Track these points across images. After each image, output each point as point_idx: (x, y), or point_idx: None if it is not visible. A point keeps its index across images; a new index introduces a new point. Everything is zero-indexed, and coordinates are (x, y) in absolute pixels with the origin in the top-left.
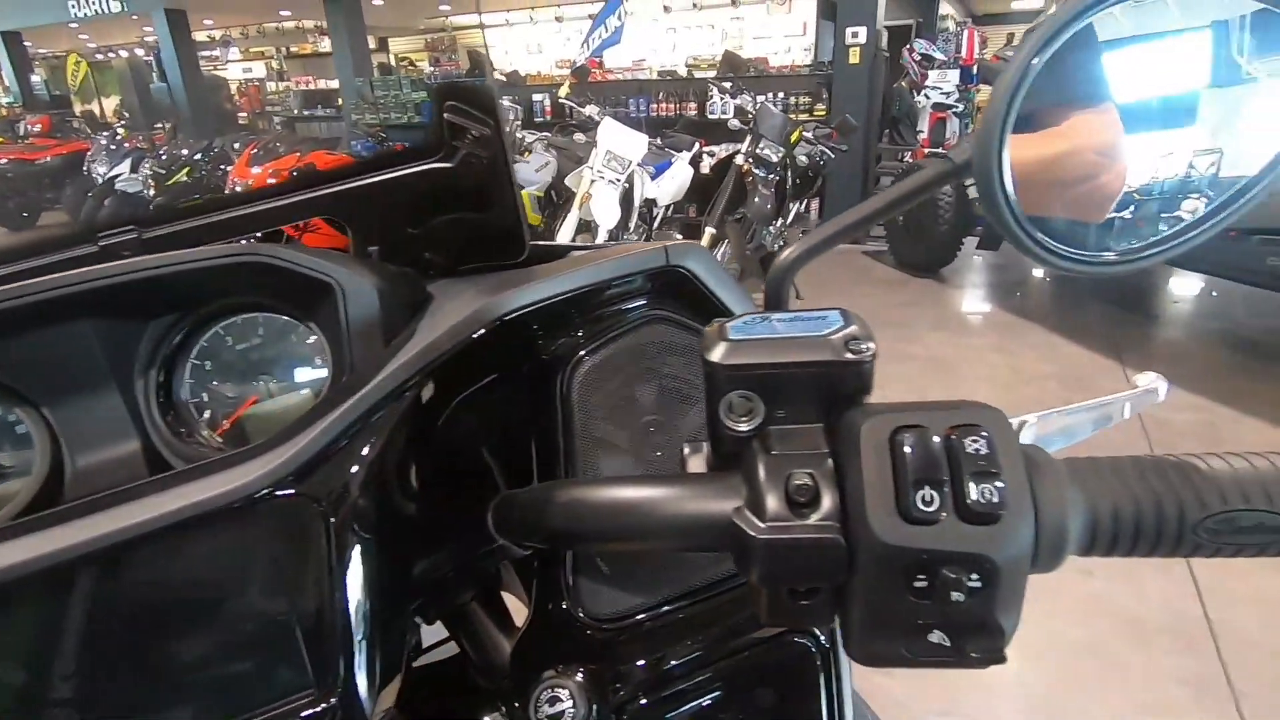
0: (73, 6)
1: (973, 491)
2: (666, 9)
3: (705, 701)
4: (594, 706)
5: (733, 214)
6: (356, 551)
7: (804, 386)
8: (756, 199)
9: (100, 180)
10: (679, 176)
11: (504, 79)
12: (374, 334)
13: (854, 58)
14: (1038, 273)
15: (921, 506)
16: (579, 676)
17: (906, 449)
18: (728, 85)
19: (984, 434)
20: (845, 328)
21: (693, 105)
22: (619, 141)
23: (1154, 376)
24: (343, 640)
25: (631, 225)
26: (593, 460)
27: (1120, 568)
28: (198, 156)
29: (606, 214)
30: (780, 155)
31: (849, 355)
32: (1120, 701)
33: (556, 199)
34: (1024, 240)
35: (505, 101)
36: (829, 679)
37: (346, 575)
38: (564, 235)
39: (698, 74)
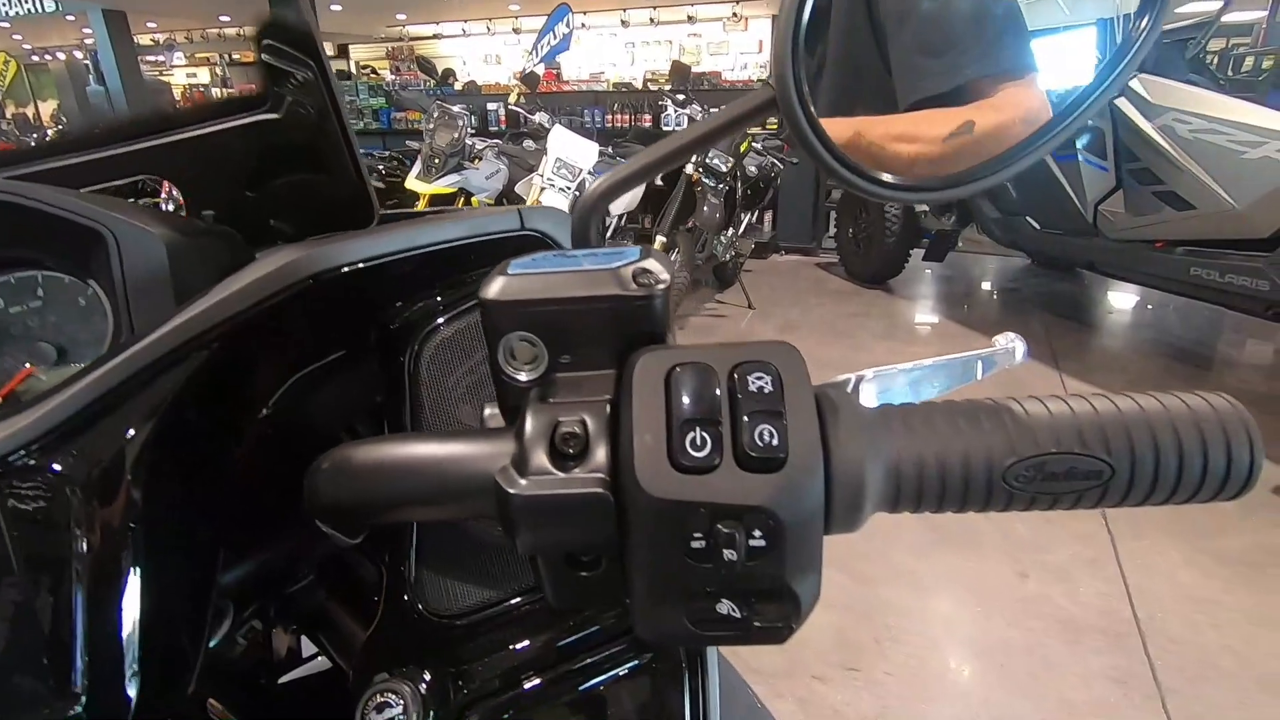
0: (1, 5)
1: (750, 433)
2: (625, 23)
3: (559, 703)
4: (430, 712)
5: (684, 223)
6: (128, 539)
7: (591, 327)
8: (706, 208)
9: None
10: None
11: (459, 88)
12: (162, 293)
13: None
14: (985, 285)
15: (692, 452)
16: (425, 678)
17: (681, 389)
18: (680, 97)
19: (770, 371)
20: (637, 261)
21: (648, 117)
22: (569, 149)
23: (1012, 336)
24: (95, 644)
25: None
26: None
27: (1054, 570)
28: None
29: None
30: (729, 165)
31: (636, 289)
32: (1053, 698)
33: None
34: (838, 170)
35: (456, 108)
36: (694, 674)
37: (109, 566)
38: None
39: (654, 87)
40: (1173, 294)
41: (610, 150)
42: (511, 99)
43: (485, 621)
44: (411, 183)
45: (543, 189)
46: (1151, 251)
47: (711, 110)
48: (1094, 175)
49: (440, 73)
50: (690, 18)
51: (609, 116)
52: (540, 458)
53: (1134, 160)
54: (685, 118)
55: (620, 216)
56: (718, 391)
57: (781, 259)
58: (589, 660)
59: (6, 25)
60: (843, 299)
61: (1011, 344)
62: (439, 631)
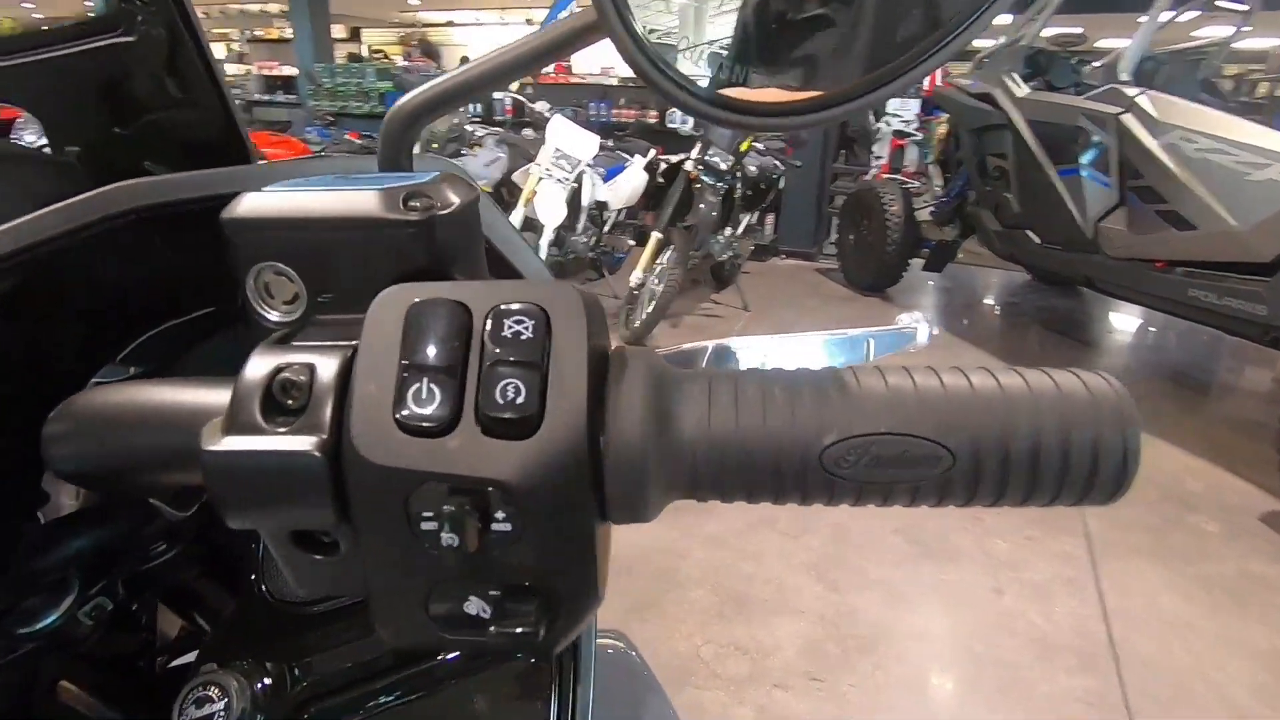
0: None
1: (493, 388)
2: None
3: (410, 703)
4: (259, 711)
5: (681, 221)
6: None
7: (352, 259)
8: (703, 206)
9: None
10: (632, 181)
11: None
12: None
13: None
14: (983, 298)
15: (417, 408)
16: (266, 670)
17: (419, 330)
18: None
19: (535, 316)
20: (422, 182)
21: (654, 113)
22: (568, 140)
23: (917, 316)
24: None
25: (579, 226)
26: None
27: (1031, 588)
28: None
29: (551, 212)
30: (729, 164)
31: (403, 213)
32: (1020, 717)
33: (507, 196)
34: (661, 82)
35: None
36: (564, 679)
37: None
38: None
39: None
40: (1171, 316)
41: (611, 143)
42: (513, 86)
43: (342, 611)
44: None
45: (540, 179)
46: (1151, 271)
47: None
48: (1096, 191)
49: (440, 56)
50: None
51: (615, 110)
52: (251, 411)
53: (1137, 177)
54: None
55: (620, 211)
56: (457, 334)
57: (782, 263)
58: (448, 659)
59: None
60: (839, 304)
61: (915, 323)
62: (287, 620)
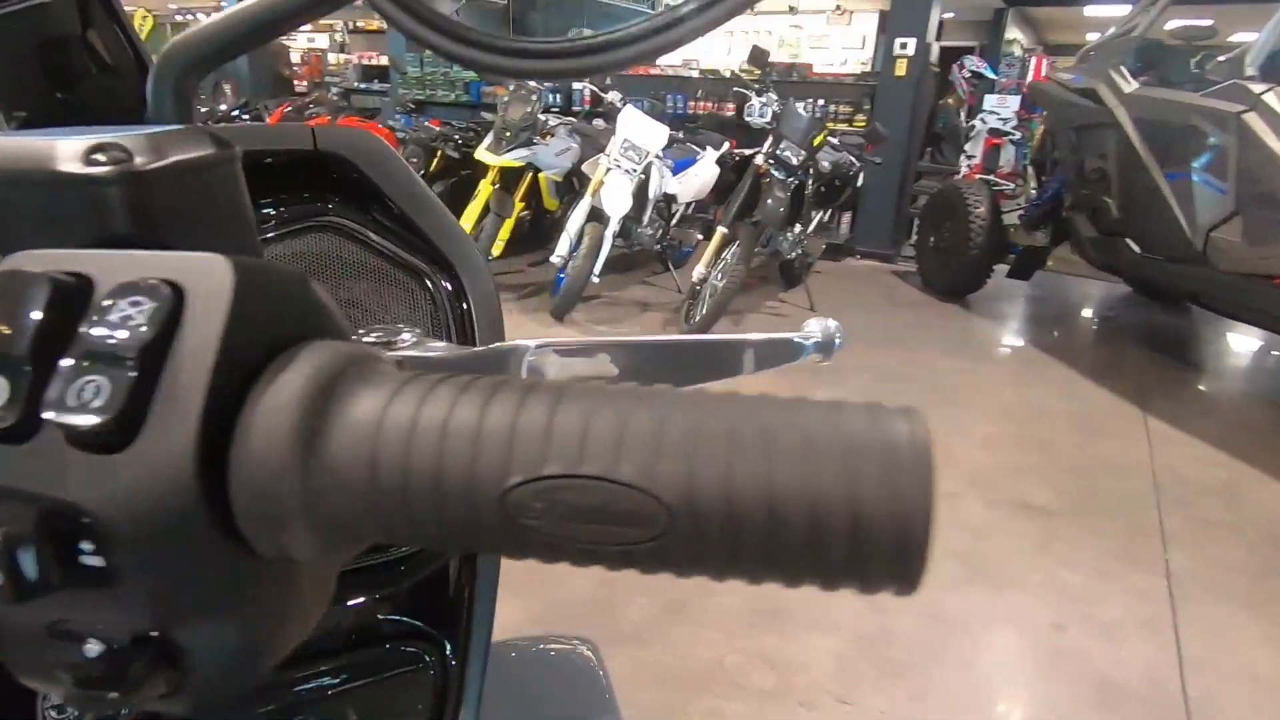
0: None
1: (68, 386)
2: None
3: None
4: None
5: (748, 216)
6: None
7: (36, 222)
8: (770, 201)
9: None
10: (703, 174)
11: None
12: None
13: (900, 70)
14: (1075, 309)
15: None
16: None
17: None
18: (756, 85)
19: (161, 297)
20: (127, 133)
21: (731, 106)
22: (637, 130)
23: (827, 326)
24: None
25: (645, 218)
26: None
27: (1099, 626)
28: (234, 112)
29: (617, 203)
30: (800, 159)
31: (87, 169)
32: None
33: (578, 186)
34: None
35: (532, 83)
36: (448, 698)
37: None
38: (574, 222)
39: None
40: None
41: (681, 135)
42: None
43: None
44: (481, 153)
45: (609, 169)
46: (1269, 288)
47: (801, 103)
48: (1209, 197)
49: None
50: (792, 9)
51: (692, 103)
52: None
53: (1257, 183)
54: (763, 108)
55: (689, 205)
56: (72, 318)
57: (857, 263)
58: (330, 660)
59: None
60: (914, 309)
61: (814, 334)
62: None
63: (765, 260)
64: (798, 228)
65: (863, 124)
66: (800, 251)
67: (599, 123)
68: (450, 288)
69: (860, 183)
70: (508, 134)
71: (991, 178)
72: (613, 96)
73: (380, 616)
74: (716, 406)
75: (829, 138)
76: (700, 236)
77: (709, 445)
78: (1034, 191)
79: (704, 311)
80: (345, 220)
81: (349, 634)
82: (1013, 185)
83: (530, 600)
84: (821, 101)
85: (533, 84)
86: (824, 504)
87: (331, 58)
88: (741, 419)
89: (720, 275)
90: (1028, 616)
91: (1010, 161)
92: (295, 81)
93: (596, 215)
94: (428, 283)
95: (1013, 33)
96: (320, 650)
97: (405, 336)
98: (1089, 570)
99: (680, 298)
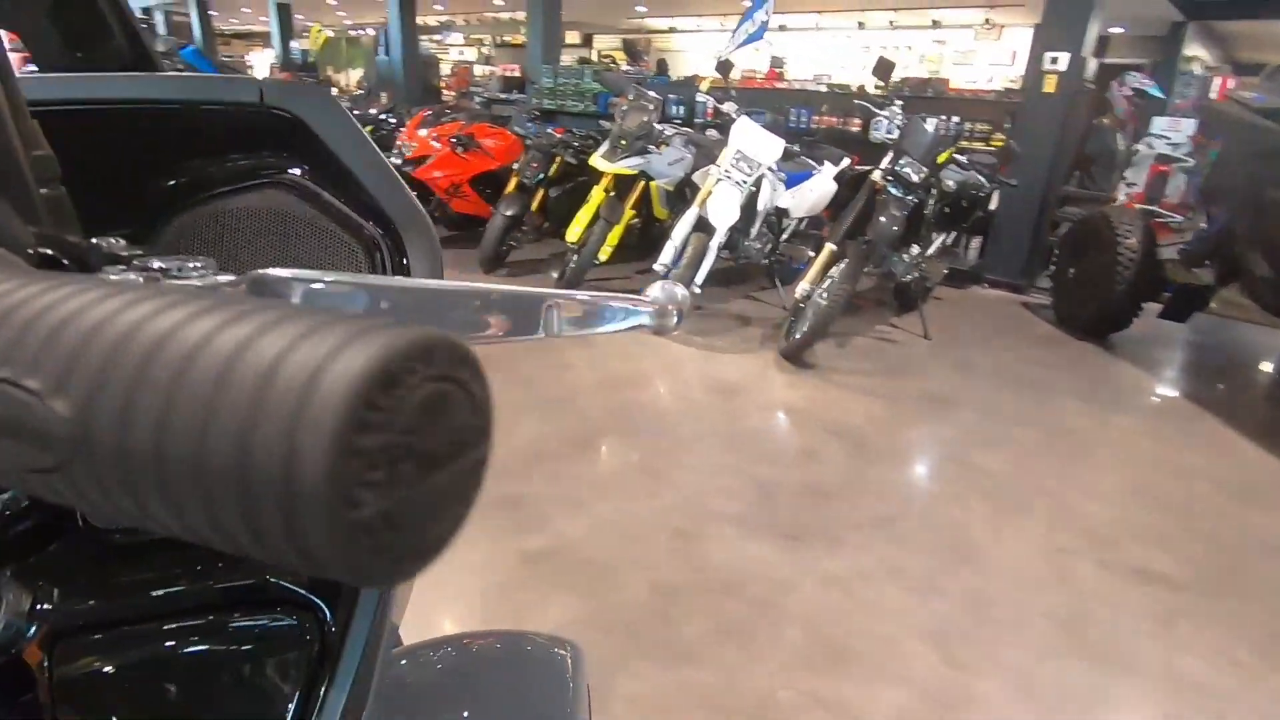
0: None
1: None
2: (861, 25)
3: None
4: (30, 622)
5: (861, 233)
6: None
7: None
8: (883, 218)
9: None
10: (818, 190)
11: (675, 79)
12: None
13: (1049, 86)
14: (1255, 365)
15: None
16: (52, 591)
17: None
18: (880, 98)
19: None
20: None
21: (857, 122)
22: (750, 142)
23: (672, 292)
24: None
25: (754, 232)
26: None
27: None
28: (382, 116)
29: (724, 214)
30: (921, 176)
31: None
32: None
33: (689, 195)
34: None
35: (651, 93)
36: (326, 674)
37: None
38: (679, 231)
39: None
40: None
41: (797, 148)
42: (703, 87)
43: (136, 547)
44: (595, 160)
45: (718, 180)
46: None
47: (932, 119)
48: None
49: (641, 57)
50: (935, 23)
51: (816, 118)
52: None
53: None
54: (889, 124)
55: (802, 220)
56: None
57: (984, 292)
58: (203, 620)
59: (334, 2)
60: (1044, 346)
61: (646, 302)
62: (97, 547)
63: (879, 282)
64: (915, 249)
65: (999, 143)
66: (917, 275)
67: (713, 133)
68: (393, 247)
69: (993, 205)
70: (623, 142)
71: (1154, 208)
72: (729, 108)
73: (267, 578)
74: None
75: (956, 155)
76: (812, 254)
77: (133, 343)
78: (1203, 225)
79: (803, 330)
80: (299, 179)
81: (230, 590)
82: (1180, 218)
83: (587, 599)
84: (956, 119)
85: (652, 94)
86: (211, 448)
87: (478, 70)
88: (172, 336)
89: (824, 294)
90: (1134, 703)
91: (1180, 191)
92: (444, 90)
93: (703, 226)
94: (374, 245)
95: (1193, 49)
96: (194, 604)
97: (187, 267)
98: (1216, 659)
99: (785, 315)
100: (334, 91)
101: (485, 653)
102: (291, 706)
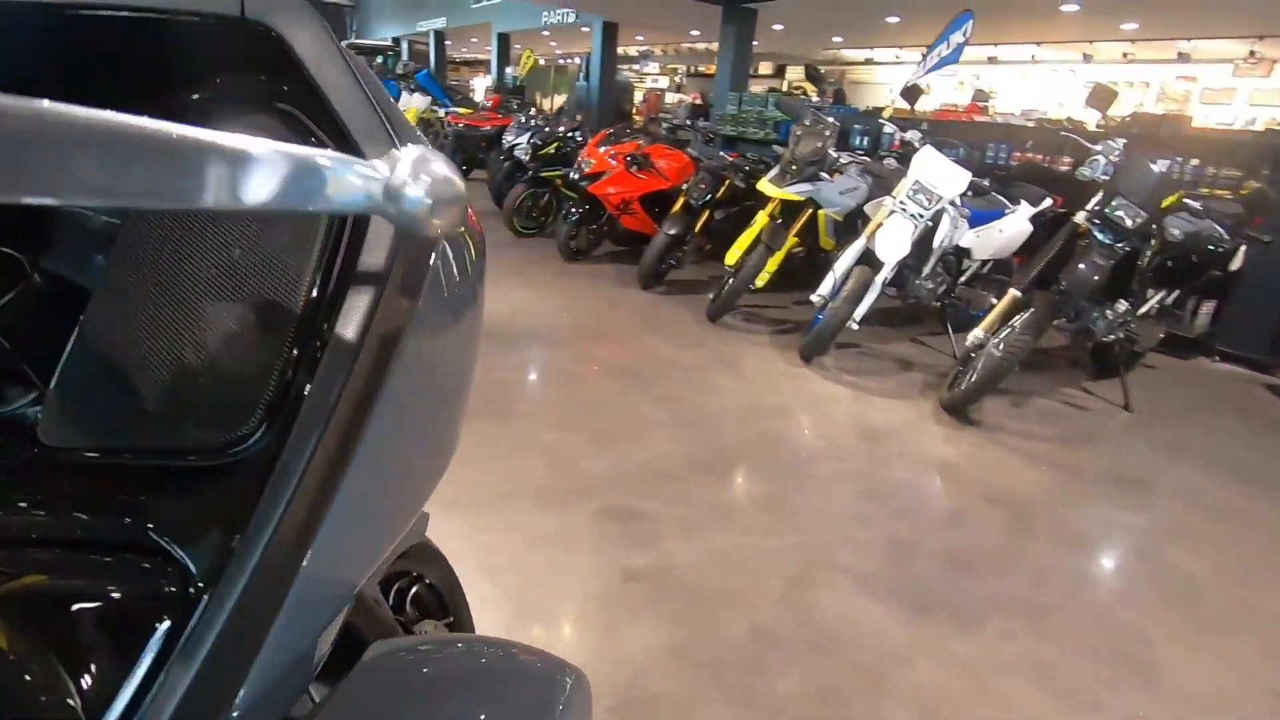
0: (544, 16)
1: None
2: (1088, 58)
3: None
4: None
5: (1054, 282)
6: None
7: None
8: (1082, 266)
9: (505, 147)
10: (1008, 231)
11: (862, 110)
12: None
13: None
14: None
15: None
16: None
17: None
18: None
19: None
20: None
21: (1066, 161)
22: (933, 173)
23: (433, 169)
24: None
25: (926, 270)
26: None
27: None
28: (569, 135)
29: (892, 248)
30: (1138, 222)
31: None
32: None
33: (860, 226)
34: None
35: (829, 119)
36: (172, 643)
37: None
38: (842, 263)
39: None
40: None
41: (988, 183)
42: (886, 113)
43: (47, 470)
44: (763, 184)
45: (891, 211)
46: None
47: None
48: None
49: (824, 81)
50: (1182, 55)
51: (1018, 154)
52: None
53: None
54: (1104, 161)
55: (986, 263)
56: None
57: (1212, 365)
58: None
59: (547, 33)
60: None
61: (364, 174)
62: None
63: (1074, 340)
64: (1122, 305)
65: (1249, 190)
66: (1123, 336)
67: (891, 162)
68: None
69: (1236, 264)
70: (794, 167)
71: None
72: (911, 135)
73: (148, 527)
74: None
75: (1188, 200)
76: (994, 300)
77: None
78: None
79: (970, 382)
80: (289, 107)
81: (106, 529)
82: None
83: (679, 628)
84: (1195, 161)
85: (829, 119)
86: None
87: (670, 98)
88: None
89: (1000, 344)
90: None
91: None
92: (635, 115)
93: (869, 259)
94: None
95: None
96: (67, 536)
97: None
98: None
99: (953, 364)
100: (531, 110)
101: (471, 662)
102: (136, 668)
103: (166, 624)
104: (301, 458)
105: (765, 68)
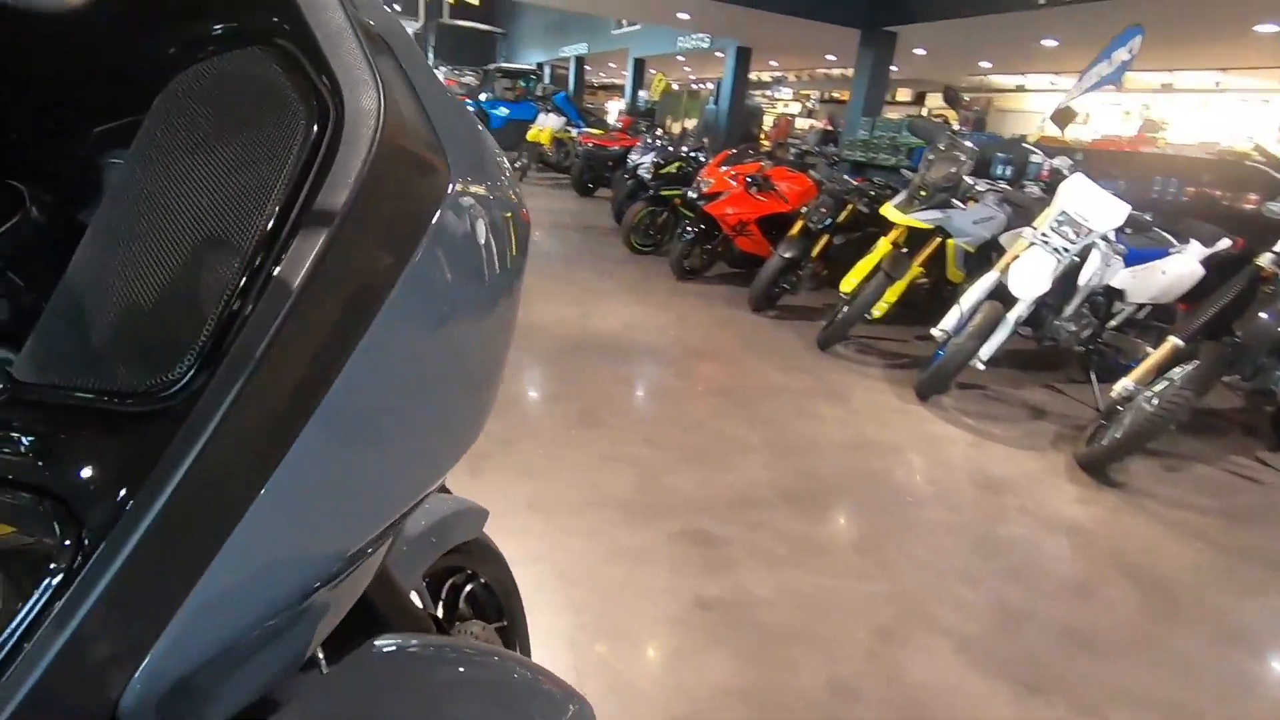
0: (680, 41)
1: None
2: None
3: None
4: None
5: (1227, 332)
6: None
7: None
8: (1263, 316)
9: (630, 166)
10: (1172, 273)
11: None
12: None
13: None
14: None
15: None
16: None
17: None
18: None
19: None
20: None
21: (1253, 198)
22: (1082, 203)
23: None
24: None
25: (1069, 310)
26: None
27: None
28: (692, 155)
29: (1029, 283)
30: None
31: None
32: None
33: (994, 258)
34: None
35: (967, 143)
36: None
37: None
38: (970, 296)
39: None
40: None
41: (1149, 218)
42: (1031, 138)
43: None
44: (888, 209)
45: (1030, 244)
46: None
47: None
48: None
49: (961, 103)
50: None
51: (1191, 190)
52: None
53: None
54: None
55: (1140, 308)
56: None
57: None
58: None
59: (681, 58)
60: None
61: None
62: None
63: (1249, 401)
64: None
65: None
66: None
67: (1034, 190)
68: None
69: None
70: (923, 193)
71: None
72: (1060, 162)
73: (41, 464)
74: None
75: None
76: (1150, 349)
77: None
78: None
79: (1113, 438)
80: (288, 42)
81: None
82: None
83: (749, 669)
84: None
85: (967, 144)
86: None
87: (801, 123)
88: None
89: (1154, 398)
90: None
91: None
92: (763, 140)
93: (1002, 294)
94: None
95: None
96: None
97: None
98: None
99: (1094, 417)
100: (659, 132)
101: (473, 672)
102: (23, 615)
103: (59, 576)
104: (219, 406)
105: (904, 94)
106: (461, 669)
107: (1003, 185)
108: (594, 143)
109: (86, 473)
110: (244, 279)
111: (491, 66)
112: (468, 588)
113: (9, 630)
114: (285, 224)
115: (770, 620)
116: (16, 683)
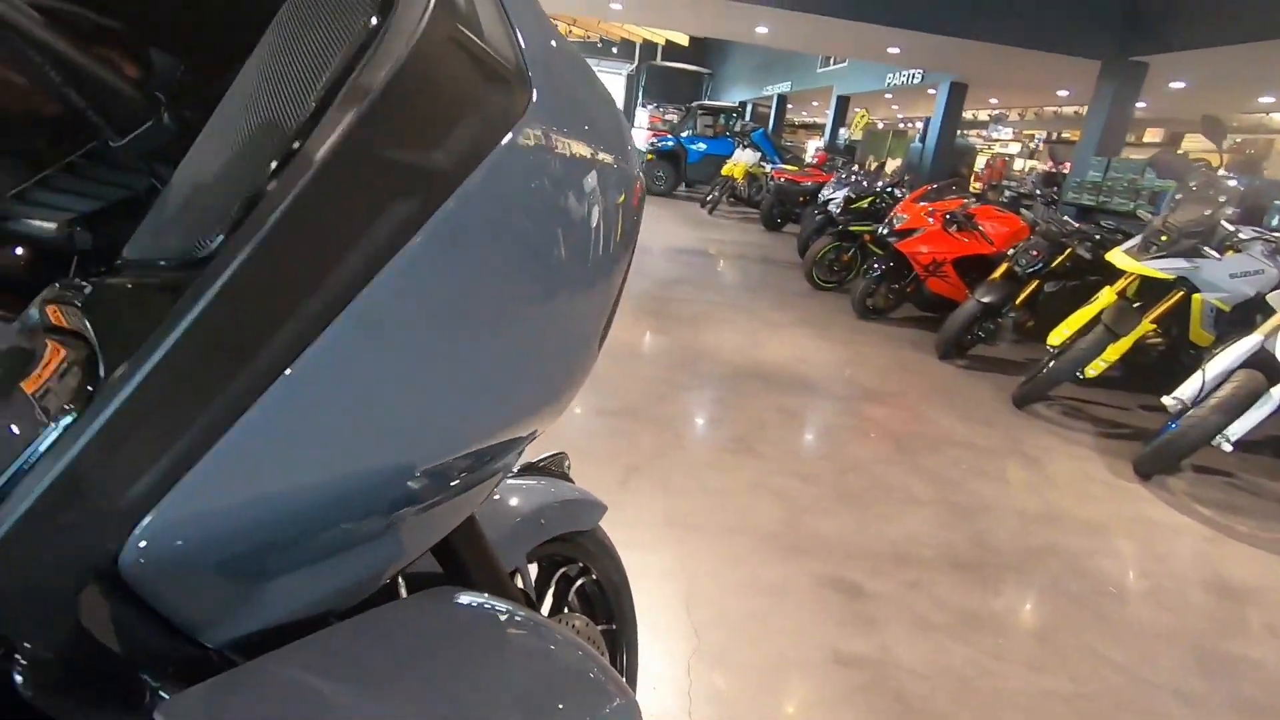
0: (889, 78)
1: None
2: None
3: None
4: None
5: None
6: None
7: None
8: None
9: (821, 201)
10: None
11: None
12: None
13: None
14: None
15: None
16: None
17: None
18: None
19: None
20: None
21: None
22: None
23: None
24: None
25: None
26: None
27: None
28: (888, 190)
29: None
30: None
31: None
32: None
33: (1258, 319)
34: None
35: (1231, 183)
36: None
37: None
38: (1220, 362)
39: None
40: None
41: None
42: None
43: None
44: (1116, 255)
45: None
46: None
47: None
48: None
49: (1224, 138)
50: None
51: None
52: None
53: None
54: None
55: None
56: None
57: None
58: None
59: (889, 95)
60: None
61: None
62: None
63: None
64: None
65: None
66: None
67: None
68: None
69: None
70: (1164, 238)
71: None
72: None
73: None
74: None
75: None
76: None
77: None
78: None
79: None
80: None
81: None
82: None
83: None
84: None
85: (1229, 182)
86: None
87: (1017, 163)
88: None
89: None
90: None
91: None
92: (975, 182)
93: (1265, 364)
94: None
95: None
96: None
97: None
98: None
99: None
100: (854, 167)
101: (528, 641)
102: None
103: (70, 417)
104: (227, 267)
105: (1153, 134)
106: (510, 631)
107: (1274, 236)
108: (786, 178)
109: (116, 324)
110: (280, 156)
111: (694, 105)
112: (579, 581)
113: (21, 458)
114: (328, 104)
115: (915, 692)
116: (10, 510)
